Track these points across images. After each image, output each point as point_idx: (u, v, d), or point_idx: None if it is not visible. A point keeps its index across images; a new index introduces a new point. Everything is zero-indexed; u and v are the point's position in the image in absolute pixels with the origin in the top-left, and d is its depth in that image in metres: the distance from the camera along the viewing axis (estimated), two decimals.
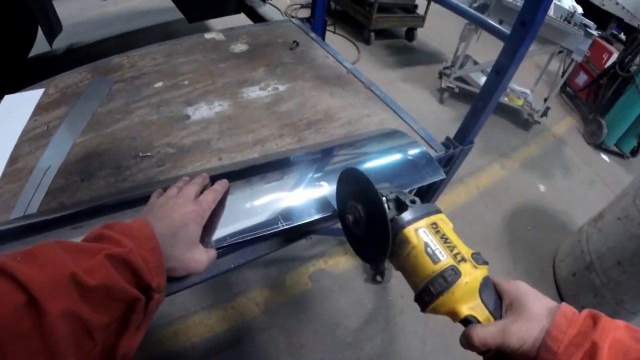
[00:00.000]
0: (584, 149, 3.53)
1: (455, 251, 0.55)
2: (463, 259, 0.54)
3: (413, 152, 0.98)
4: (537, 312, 0.50)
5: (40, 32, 2.41)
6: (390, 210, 0.60)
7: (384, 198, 0.60)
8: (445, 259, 0.54)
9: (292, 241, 0.84)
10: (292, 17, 1.65)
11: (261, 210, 0.78)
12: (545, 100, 3.29)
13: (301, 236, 0.86)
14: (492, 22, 1.13)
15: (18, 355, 0.36)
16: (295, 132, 1.07)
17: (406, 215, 0.58)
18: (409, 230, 0.57)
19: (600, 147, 3.53)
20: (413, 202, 0.60)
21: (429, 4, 4.05)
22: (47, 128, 1.00)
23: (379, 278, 1.92)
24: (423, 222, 0.58)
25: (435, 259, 0.54)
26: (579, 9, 3.02)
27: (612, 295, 1.89)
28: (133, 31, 3.39)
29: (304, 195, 0.82)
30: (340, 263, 2.03)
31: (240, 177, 0.83)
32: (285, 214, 0.78)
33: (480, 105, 1.10)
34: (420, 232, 0.57)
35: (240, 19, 2.28)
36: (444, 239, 0.56)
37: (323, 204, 0.81)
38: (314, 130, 1.09)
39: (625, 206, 1.90)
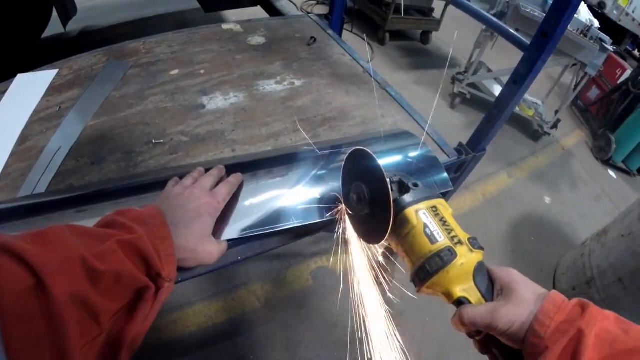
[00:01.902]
0: (591, 163, 3.52)
1: (453, 234, 0.57)
2: (460, 242, 0.56)
3: (423, 157, 0.96)
4: (526, 297, 0.52)
5: (54, 14, 2.41)
6: (393, 192, 0.62)
7: (388, 179, 0.62)
8: (442, 240, 0.56)
9: (301, 237, 0.84)
10: (309, 13, 1.64)
11: (273, 205, 0.77)
12: (556, 112, 3.28)
13: (312, 232, 0.85)
14: (498, 21, 1.12)
15: (23, 336, 0.36)
16: (310, 128, 1.07)
17: (408, 197, 0.61)
18: (410, 211, 0.59)
19: (608, 162, 3.52)
20: (415, 185, 0.63)
21: (445, 7, 4.04)
22: (59, 109, 1.00)
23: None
24: (424, 205, 0.60)
25: (433, 240, 0.56)
26: (596, 23, 3.00)
27: (610, 311, 1.88)
28: (147, 18, 3.40)
29: (316, 193, 0.81)
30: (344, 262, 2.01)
31: (252, 169, 0.83)
32: (298, 211, 0.77)
33: (496, 112, 1.10)
34: (420, 213, 0.59)
35: (255, 12, 2.28)
36: (443, 222, 0.59)
37: (336, 203, 0.80)
38: (328, 127, 1.08)
39: (630, 223, 1.89)
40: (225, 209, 0.70)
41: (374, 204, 0.64)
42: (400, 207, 0.60)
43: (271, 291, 1.83)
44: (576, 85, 3.14)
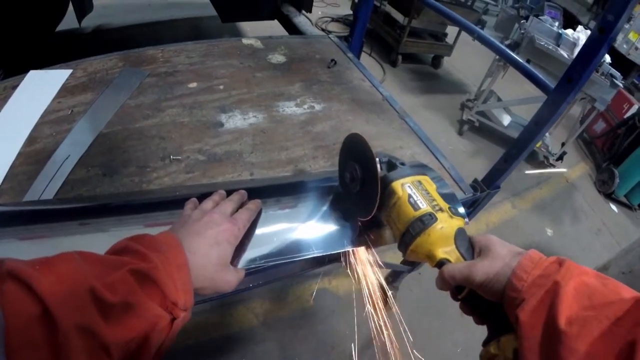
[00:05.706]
0: (594, 196, 3.52)
1: (434, 203, 0.64)
2: (440, 209, 0.63)
3: (441, 192, 0.94)
4: (501, 253, 0.56)
5: (70, 9, 2.41)
6: (382, 170, 0.72)
7: (377, 159, 0.69)
8: (424, 207, 0.63)
9: (317, 266, 0.82)
10: (323, 29, 1.64)
11: (292, 234, 0.75)
12: (563, 144, 3.28)
13: (330, 262, 0.83)
14: (524, 62, 1.12)
15: None
16: (329, 156, 1.04)
17: (394, 173, 0.69)
18: (396, 184, 0.67)
19: (610, 196, 3.53)
20: (402, 164, 0.73)
21: (459, 33, 4.06)
22: (71, 112, 0.97)
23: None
24: (409, 179, 0.68)
25: (415, 207, 0.63)
26: (608, 59, 3.02)
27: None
28: (163, 21, 3.40)
29: (336, 222, 0.79)
30: (345, 285, 2.00)
31: (270, 195, 0.80)
32: (318, 241, 0.75)
33: (515, 152, 1.09)
34: (405, 186, 0.67)
35: (272, 26, 2.28)
36: (426, 193, 0.66)
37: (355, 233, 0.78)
38: None
39: (631, 261, 1.88)
40: (243, 236, 0.68)
41: (365, 180, 0.71)
42: (388, 181, 0.68)
43: (270, 310, 1.80)
44: (583, 119, 3.15)
